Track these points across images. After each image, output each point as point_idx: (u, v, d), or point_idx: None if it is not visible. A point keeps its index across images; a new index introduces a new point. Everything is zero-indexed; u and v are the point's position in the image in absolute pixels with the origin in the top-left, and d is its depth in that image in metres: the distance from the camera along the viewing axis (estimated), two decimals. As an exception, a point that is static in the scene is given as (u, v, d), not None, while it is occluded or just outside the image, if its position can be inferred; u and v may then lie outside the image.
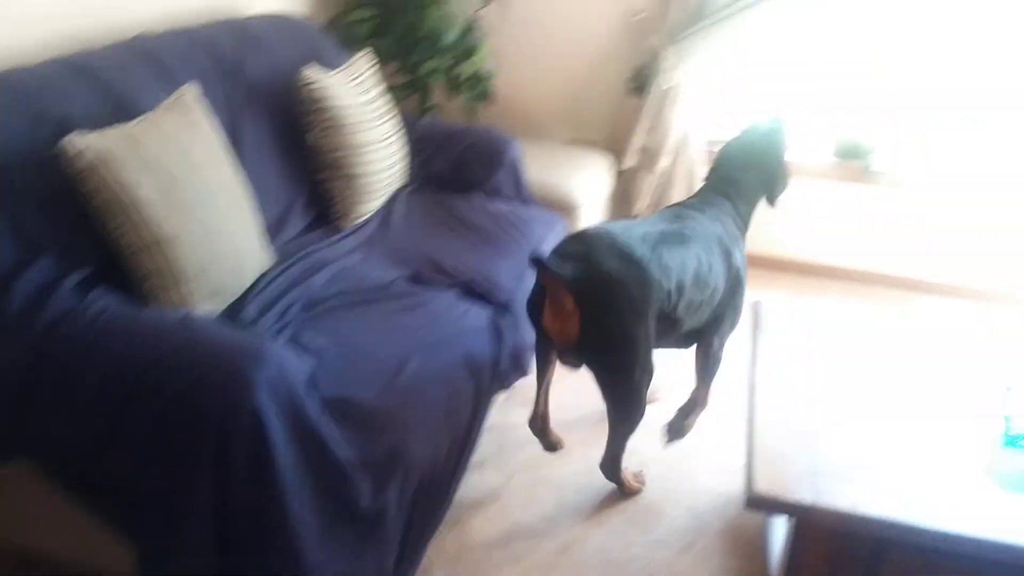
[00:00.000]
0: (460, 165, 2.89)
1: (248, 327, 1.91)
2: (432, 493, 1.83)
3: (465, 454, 1.98)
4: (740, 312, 2.34)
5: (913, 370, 2.02)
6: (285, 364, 1.59)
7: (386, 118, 2.69)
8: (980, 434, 1.80)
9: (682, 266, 2.05)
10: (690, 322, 2.16)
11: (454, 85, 3.40)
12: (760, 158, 2.39)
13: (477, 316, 2.20)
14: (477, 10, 3.41)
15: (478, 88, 3.42)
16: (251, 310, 1.98)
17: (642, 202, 3.67)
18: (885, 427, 1.79)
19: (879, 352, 2.10)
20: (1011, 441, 1.77)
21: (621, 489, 2.38)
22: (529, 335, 2.27)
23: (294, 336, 1.93)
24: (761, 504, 1.59)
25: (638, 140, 3.60)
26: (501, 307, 2.29)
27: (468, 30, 3.34)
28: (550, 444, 2.43)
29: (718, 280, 2.18)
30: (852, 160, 3.61)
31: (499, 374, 2.16)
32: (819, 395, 1.89)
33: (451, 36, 3.25)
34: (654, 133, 3.56)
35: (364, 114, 2.57)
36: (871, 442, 1.74)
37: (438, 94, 3.47)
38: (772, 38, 3.47)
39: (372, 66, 2.72)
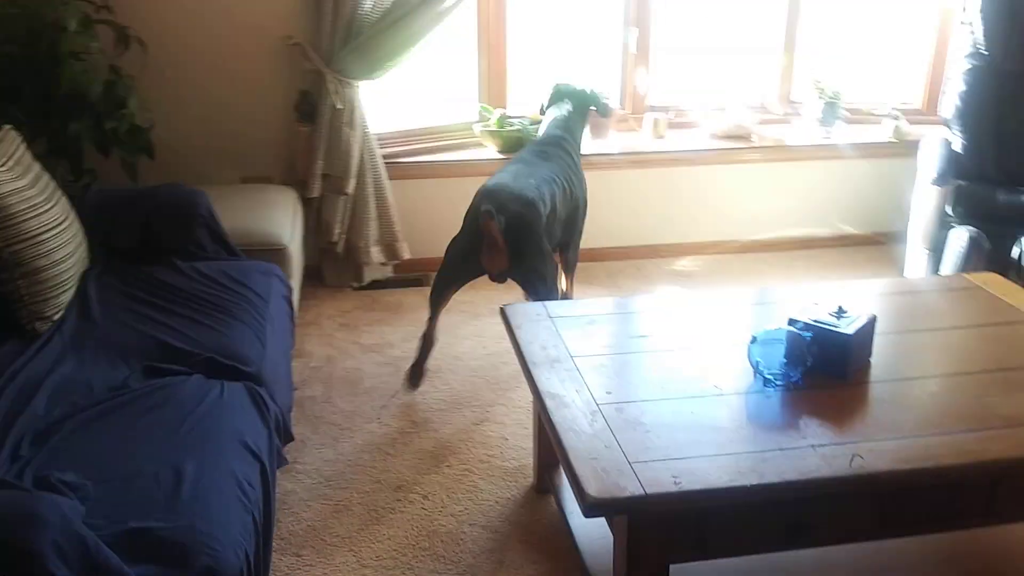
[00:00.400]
0: (149, 232, 2.62)
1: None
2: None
3: (269, 539, 1.81)
4: (584, 220, 3.25)
5: (676, 344, 2.17)
6: (67, 514, 1.34)
7: (55, 197, 2.35)
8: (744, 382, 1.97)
9: (554, 195, 2.87)
10: (560, 233, 3.02)
11: (108, 143, 3.05)
12: (577, 91, 3.37)
13: (234, 393, 2.01)
14: (115, 58, 3.08)
15: (137, 143, 3.10)
16: (-29, 462, 1.64)
17: (339, 227, 3.57)
18: (663, 399, 1.90)
19: (635, 332, 2.23)
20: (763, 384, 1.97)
21: None
22: (284, 401, 2.18)
23: (37, 481, 1.63)
24: (599, 509, 1.62)
25: (318, 168, 3.49)
26: (252, 378, 2.11)
27: (113, 81, 3.01)
28: (416, 376, 2.97)
29: (576, 195, 3.09)
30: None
31: (276, 446, 1.99)
32: (595, 384, 1.95)
33: (97, 89, 2.91)
34: (335, 157, 3.47)
35: (30, 198, 2.23)
36: (656, 417, 1.83)
37: (90, 156, 3.09)
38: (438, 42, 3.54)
39: (21, 143, 2.36)
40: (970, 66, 3.65)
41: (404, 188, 3.76)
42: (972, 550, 2.14)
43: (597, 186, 3.95)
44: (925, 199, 3.31)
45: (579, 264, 3.64)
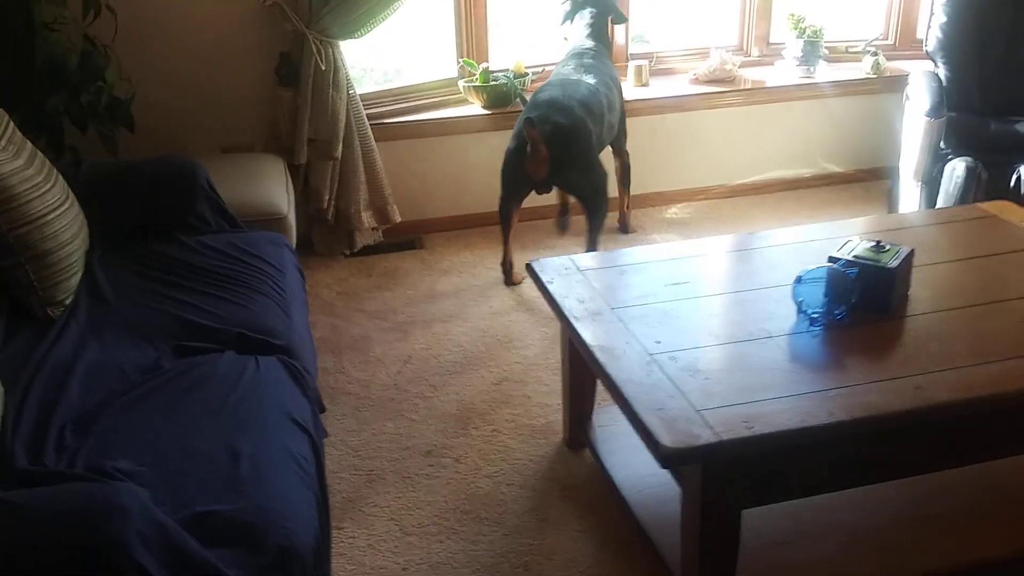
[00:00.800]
0: (149, 206, 2.51)
1: (42, 479, 1.50)
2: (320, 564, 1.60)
3: (328, 514, 1.76)
4: (625, 122, 3.57)
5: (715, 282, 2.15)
6: (146, 503, 1.27)
7: (52, 177, 2.24)
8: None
9: (599, 105, 3.18)
10: (607, 138, 3.35)
11: (88, 117, 2.92)
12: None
13: (270, 368, 1.94)
14: (86, 25, 2.92)
15: (117, 116, 2.97)
16: (21, 457, 1.55)
17: (329, 193, 3.48)
18: (715, 346, 1.88)
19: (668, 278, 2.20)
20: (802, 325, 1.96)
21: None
22: (313, 372, 2.12)
23: (92, 471, 1.55)
24: (675, 459, 1.59)
25: (304, 133, 3.38)
26: (284, 351, 2.04)
27: (88, 52, 2.87)
28: (513, 281, 3.35)
29: (615, 103, 3.35)
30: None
31: (317, 416, 1.94)
32: (643, 335, 1.92)
33: (73, 60, 2.76)
34: (321, 122, 3.36)
35: (30, 178, 2.11)
36: (712, 364, 1.82)
37: (70, 132, 2.95)
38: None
39: (9, 121, 2.23)
40: (951, -3, 3.66)
41: (391, 149, 3.67)
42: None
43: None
44: (918, 133, 3.32)
45: (572, 218, 3.66)
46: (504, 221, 3.26)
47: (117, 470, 1.53)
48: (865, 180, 4.30)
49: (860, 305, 1.96)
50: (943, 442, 1.78)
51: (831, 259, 2.01)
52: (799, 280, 1.97)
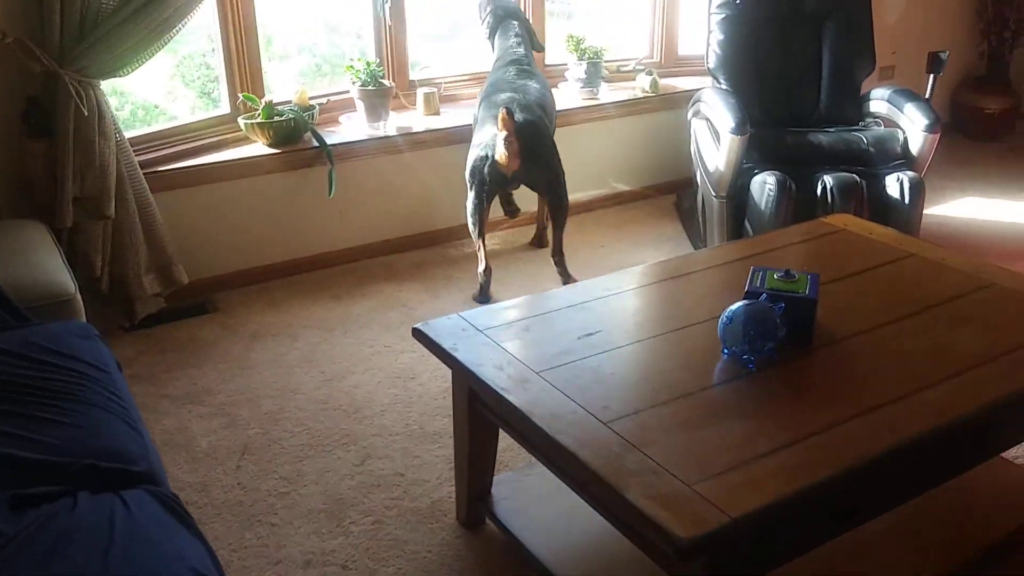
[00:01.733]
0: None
1: None
2: None
3: None
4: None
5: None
6: None
7: None
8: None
9: (550, 107, 3.43)
10: None
11: None
12: (514, 7, 3.72)
13: (141, 506, 1.49)
14: None
15: None
16: None
17: (101, 259, 2.92)
18: (664, 404, 1.72)
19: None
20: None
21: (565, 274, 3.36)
22: None
23: None
24: (694, 552, 1.38)
25: (68, 191, 2.80)
26: (147, 478, 1.60)
27: None
28: (489, 297, 3.29)
29: (553, 110, 3.51)
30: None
31: (218, 562, 1.53)
32: (585, 401, 1.71)
33: None
34: (88, 176, 2.81)
35: None
36: (670, 427, 1.65)
37: None
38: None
39: None
40: (724, 15, 3.78)
41: (169, 200, 3.17)
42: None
43: (385, 172, 3.63)
44: (722, 149, 3.38)
45: (386, 259, 3.56)
46: (479, 226, 3.22)
47: None
48: (652, 196, 4.36)
49: (784, 338, 1.87)
50: (916, 471, 1.73)
51: (749, 294, 1.91)
52: (729, 320, 1.84)
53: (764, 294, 1.89)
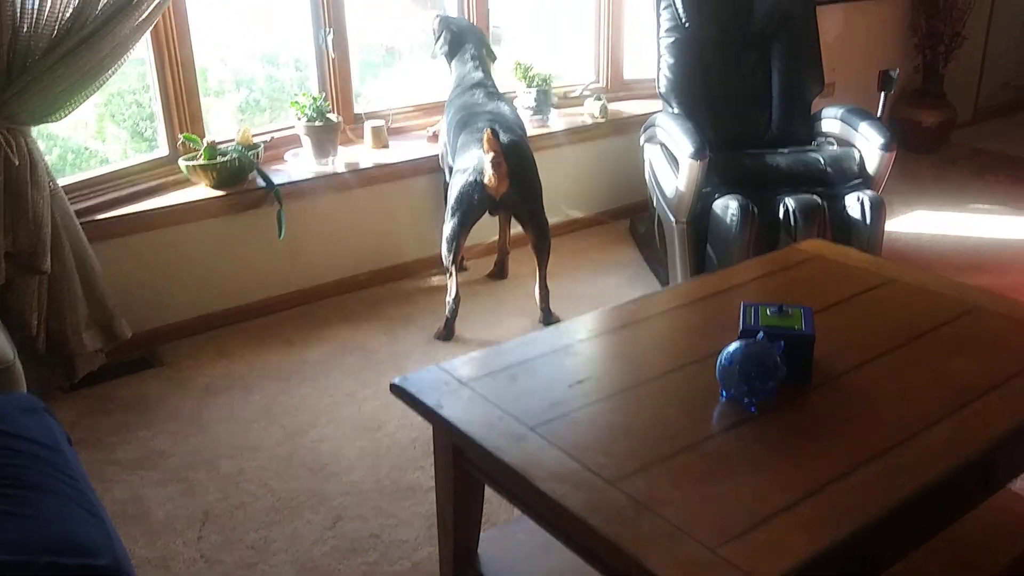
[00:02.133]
0: None
1: None
2: None
3: None
4: None
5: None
6: None
7: None
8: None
9: (524, 128, 3.37)
10: None
11: None
12: (470, 27, 3.64)
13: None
14: None
15: None
16: None
17: (37, 316, 2.72)
18: (668, 458, 1.62)
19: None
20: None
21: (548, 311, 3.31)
22: None
23: None
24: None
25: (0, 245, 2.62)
26: (113, 573, 1.45)
27: None
28: (452, 334, 3.22)
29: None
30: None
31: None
32: (581, 455, 1.61)
33: None
34: (21, 229, 2.62)
35: None
36: (677, 482, 1.55)
37: None
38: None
39: None
40: (673, 39, 3.75)
41: (108, 250, 2.99)
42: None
43: (336, 210, 3.49)
44: (680, 175, 3.32)
45: (340, 299, 3.49)
46: (455, 253, 3.11)
47: None
48: (606, 222, 4.30)
49: (784, 377, 1.80)
50: (937, 509, 1.66)
51: (745, 333, 1.83)
52: (730, 362, 1.76)
53: (761, 332, 1.82)
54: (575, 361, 1.97)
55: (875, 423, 1.72)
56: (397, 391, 1.86)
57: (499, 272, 3.71)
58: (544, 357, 1.98)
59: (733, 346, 1.78)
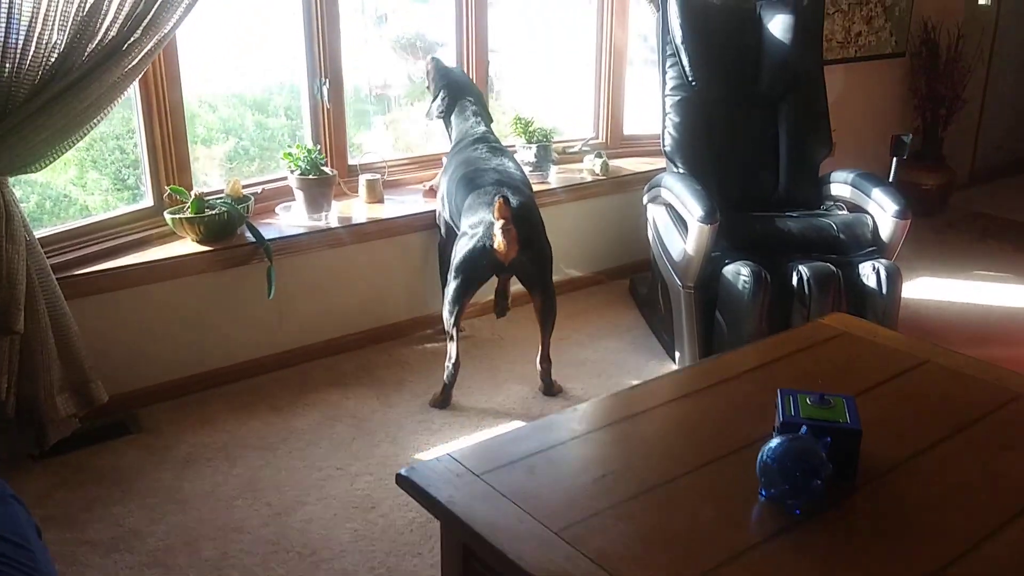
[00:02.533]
0: None
1: None
2: None
3: None
4: None
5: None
6: None
7: None
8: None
9: (530, 187, 3.23)
10: None
11: None
12: (466, 81, 3.55)
13: None
14: None
15: None
16: None
17: (7, 379, 2.53)
18: (713, 570, 1.46)
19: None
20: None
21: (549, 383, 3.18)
22: None
23: None
24: None
25: (-35, 301, 2.43)
26: None
27: None
28: (448, 401, 3.06)
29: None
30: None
31: None
32: (618, 567, 1.45)
33: None
34: (-8, 285, 2.45)
35: None
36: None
37: None
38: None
39: None
40: (679, 97, 3.66)
41: (86, 308, 2.81)
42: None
43: (328, 267, 3.33)
44: (689, 238, 3.20)
45: (330, 361, 3.33)
46: (457, 316, 2.98)
47: None
48: (604, 282, 4.17)
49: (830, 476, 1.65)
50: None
51: (785, 426, 1.69)
52: (772, 461, 1.61)
53: (804, 426, 1.67)
54: (596, 451, 1.82)
55: (931, 530, 1.57)
56: (403, 483, 1.69)
57: (500, 311, 3.56)
58: (562, 446, 1.82)
59: (775, 442, 1.63)
